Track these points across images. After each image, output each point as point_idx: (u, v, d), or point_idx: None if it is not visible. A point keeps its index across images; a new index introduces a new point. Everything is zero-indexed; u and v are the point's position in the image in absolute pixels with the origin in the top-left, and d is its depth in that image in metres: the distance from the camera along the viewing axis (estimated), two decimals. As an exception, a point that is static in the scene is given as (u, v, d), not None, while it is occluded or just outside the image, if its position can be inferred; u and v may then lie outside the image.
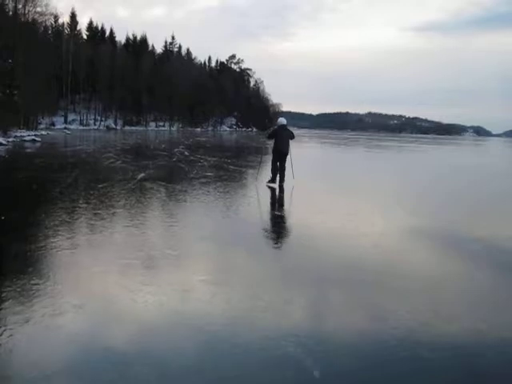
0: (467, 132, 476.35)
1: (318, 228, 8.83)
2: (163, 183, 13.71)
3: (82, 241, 7.02)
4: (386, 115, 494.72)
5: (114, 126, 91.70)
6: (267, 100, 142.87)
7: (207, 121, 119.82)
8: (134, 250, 6.56)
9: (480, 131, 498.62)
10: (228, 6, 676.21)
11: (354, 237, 8.19)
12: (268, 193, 13.44)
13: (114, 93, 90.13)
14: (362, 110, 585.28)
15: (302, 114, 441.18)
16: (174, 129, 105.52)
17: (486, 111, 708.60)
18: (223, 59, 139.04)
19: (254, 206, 11.38)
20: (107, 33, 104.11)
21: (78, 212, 9.27)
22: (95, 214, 9.09)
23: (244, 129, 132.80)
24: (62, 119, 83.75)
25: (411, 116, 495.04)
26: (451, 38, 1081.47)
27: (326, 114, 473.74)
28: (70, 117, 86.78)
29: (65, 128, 71.85)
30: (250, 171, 18.13)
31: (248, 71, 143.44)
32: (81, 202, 10.57)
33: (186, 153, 27.67)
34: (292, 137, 14.93)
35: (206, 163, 21.26)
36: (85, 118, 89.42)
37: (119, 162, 19.71)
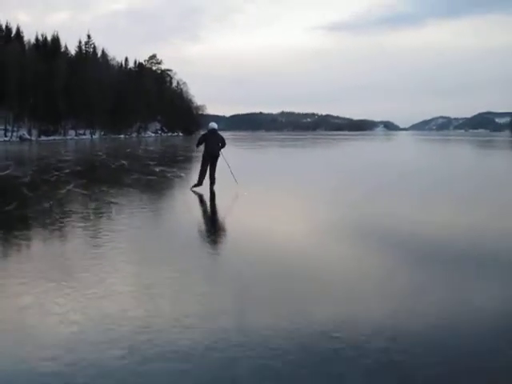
0: (378, 127, 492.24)
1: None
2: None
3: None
4: (298, 114, 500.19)
5: (28, 136, 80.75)
6: (191, 102, 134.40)
7: (130, 127, 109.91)
8: None
9: (389, 126, 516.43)
10: (135, 9, 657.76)
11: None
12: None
13: (25, 98, 79.31)
14: (274, 109, 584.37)
15: (216, 116, 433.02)
16: (95, 137, 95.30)
17: (394, 107, 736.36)
18: (141, 61, 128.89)
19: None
20: (13, 32, 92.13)
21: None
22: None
23: (170, 133, 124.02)
24: (-34, 131, 72.62)
25: (323, 114, 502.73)
26: (358, 37, 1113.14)
27: (239, 114, 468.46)
28: (-25, 128, 75.43)
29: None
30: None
31: (168, 72, 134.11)
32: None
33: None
34: (222, 141, 14.82)
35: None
36: (-7, 128, 77.69)
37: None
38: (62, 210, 11.29)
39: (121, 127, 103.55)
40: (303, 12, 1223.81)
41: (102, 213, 10.88)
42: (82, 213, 10.90)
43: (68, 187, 15.57)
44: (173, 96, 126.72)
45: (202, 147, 14.93)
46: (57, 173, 20.40)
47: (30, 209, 11.75)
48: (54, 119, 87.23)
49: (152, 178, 18.57)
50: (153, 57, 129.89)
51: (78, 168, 23.38)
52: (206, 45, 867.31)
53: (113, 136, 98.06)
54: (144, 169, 22.24)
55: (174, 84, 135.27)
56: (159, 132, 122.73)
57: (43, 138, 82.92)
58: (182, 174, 19.48)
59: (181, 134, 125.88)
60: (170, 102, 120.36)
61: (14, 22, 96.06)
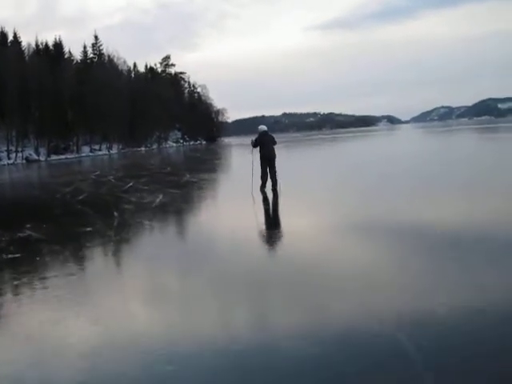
0: (381, 122, 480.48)
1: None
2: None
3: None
4: (301, 114, 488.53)
5: (36, 156, 67.28)
6: (211, 106, 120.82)
7: (150, 138, 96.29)
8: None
9: (392, 120, 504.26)
10: (129, 22, 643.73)
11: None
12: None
13: (29, 112, 65.95)
14: (276, 111, 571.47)
15: (219, 122, 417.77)
16: (114, 152, 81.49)
17: (394, 100, 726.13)
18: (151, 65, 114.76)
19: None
20: (10, 37, 78.37)
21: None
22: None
23: (192, 142, 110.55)
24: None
25: (326, 112, 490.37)
26: (354, 33, 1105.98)
27: (242, 119, 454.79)
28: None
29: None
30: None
31: (182, 75, 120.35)
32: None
33: None
34: (274, 141, 14.77)
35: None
36: (-7, 150, 63.97)
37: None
38: None
39: (139, 139, 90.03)
40: (297, 12, 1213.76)
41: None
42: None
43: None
44: (191, 100, 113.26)
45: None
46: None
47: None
48: (64, 134, 73.71)
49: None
50: (166, 58, 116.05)
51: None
52: (203, 52, 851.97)
53: (133, 149, 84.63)
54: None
55: (189, 88, 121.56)
56: (181, 141, 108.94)
57: (54, 157, 69.49)
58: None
59: (203, 141, 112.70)
60: (189, 107, 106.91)
61: (9, 28, 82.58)
